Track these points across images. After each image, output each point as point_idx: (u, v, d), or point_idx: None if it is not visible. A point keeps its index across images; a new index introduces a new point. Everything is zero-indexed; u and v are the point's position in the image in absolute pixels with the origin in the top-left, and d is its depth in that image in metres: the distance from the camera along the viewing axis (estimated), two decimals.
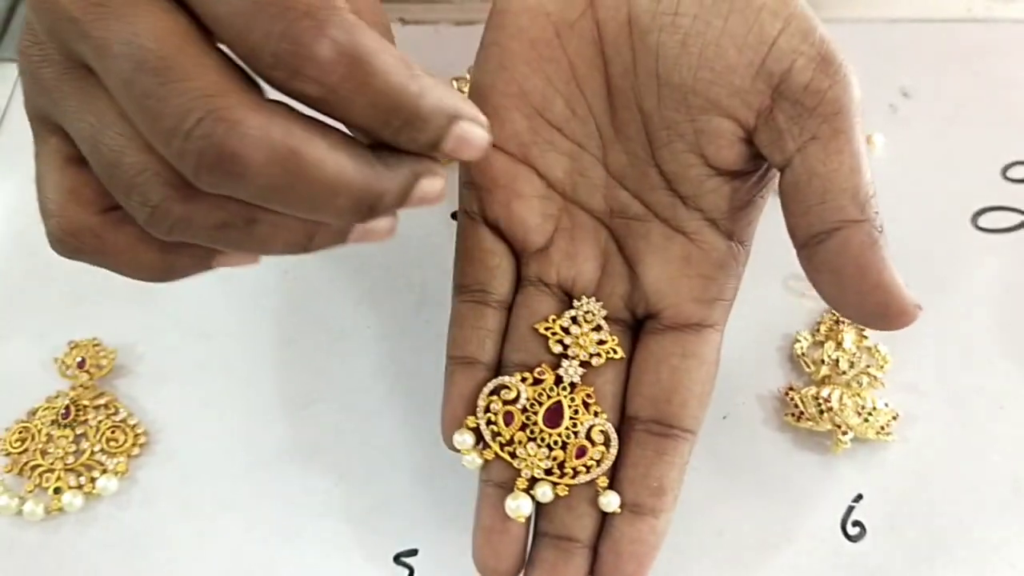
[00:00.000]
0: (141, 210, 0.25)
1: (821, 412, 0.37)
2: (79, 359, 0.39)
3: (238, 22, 0.23)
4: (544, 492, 0.32)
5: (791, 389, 0.38)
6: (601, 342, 0.33)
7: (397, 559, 0.36)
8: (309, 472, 0.38)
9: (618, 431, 0.32)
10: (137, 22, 0.23)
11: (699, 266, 0.33)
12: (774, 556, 0.36)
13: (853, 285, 0.29)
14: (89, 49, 0.24)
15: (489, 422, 0.32)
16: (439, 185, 0.26)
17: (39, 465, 0.37)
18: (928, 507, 0.36)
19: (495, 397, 0.32)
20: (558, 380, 0.32)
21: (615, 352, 0.33)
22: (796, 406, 0.38)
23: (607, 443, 0.32)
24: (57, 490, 0.37)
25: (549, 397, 0.32)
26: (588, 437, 0.32)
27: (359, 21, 0.23)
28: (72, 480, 0.37)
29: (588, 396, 0.32)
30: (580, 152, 0.33)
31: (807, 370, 0.39)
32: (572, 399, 0.32)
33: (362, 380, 0.40)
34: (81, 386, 0.39)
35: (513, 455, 0.32)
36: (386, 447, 0.39)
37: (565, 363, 0.32)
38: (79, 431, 0.38)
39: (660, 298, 0.33)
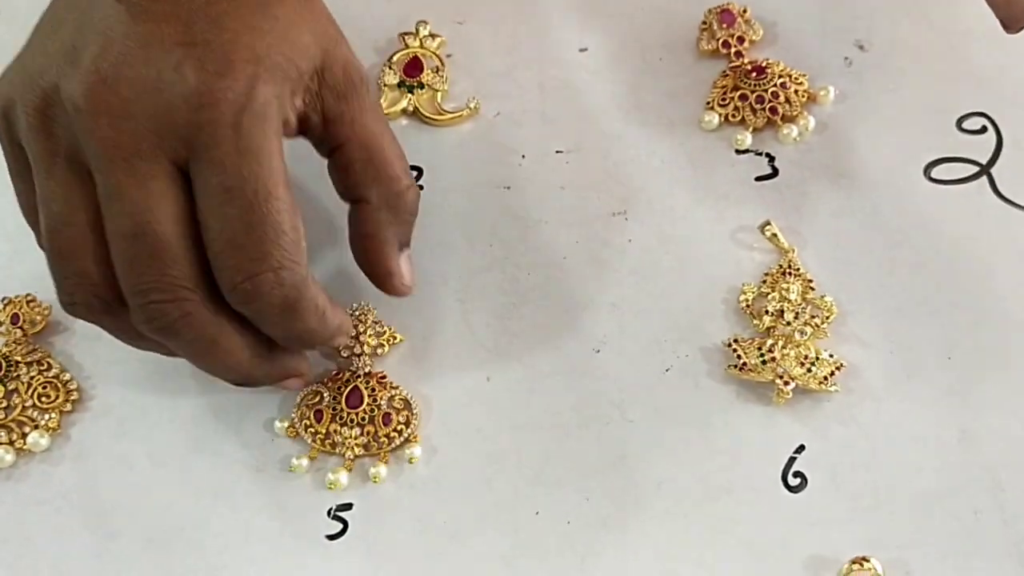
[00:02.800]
0: (62, 295, 0.32)
1: (763, 362, 0.37)
2: (12, 315, 0.39)
3: (221, 242, 0.30)
4: (378, 471, 0.36)
5: (734, 341, 0.38)
6: (380, 333, 0.38)
7: (331, 513, 0.36)
8: (245, 427, 0.38)
9: None
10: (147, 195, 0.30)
11: None
12: (713, 507, 0.35)
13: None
14: (102, 182, 0.30)
15: (307, 427, 0.37)
16: (297, 385, 0.37)
17: None
18: (871, 458, 0.36)
19: (305, 407, 0.37)
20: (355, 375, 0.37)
21: (395, 338, 0.38)
22: (739, 357, 0.37)
23: (408, 408, 0.37)
24: None
25: (347, 386, 0.37)
26: (391, 407, 0.37)
27: (308, 278, 0.32)
28: (2, 435, 0.37)
29: (382, 377, 0.37)
30: None
31: (752, 322, 0.38)
32: (367, 382, 0.37)
33: None
34: (14, 342, 0.38)
35: (333, 445, 0.36)
36: None
37: (354, 360, 0.38)
38: (11, 387, 0.37)
39: None
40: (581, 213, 0.41)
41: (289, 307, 0.31)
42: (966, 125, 0.44)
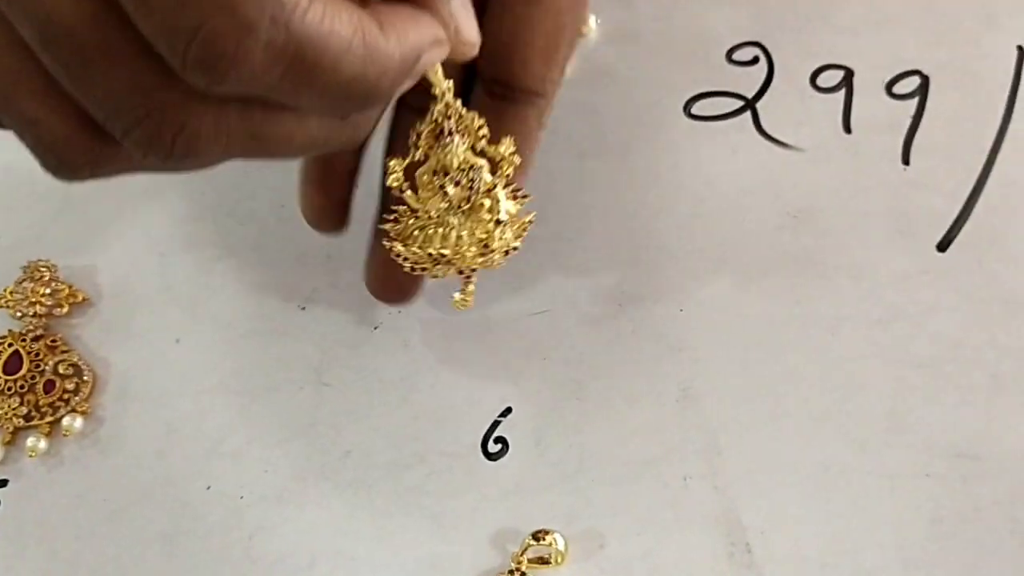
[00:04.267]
0: (41, 163, 0.22)
1: (435, 263, 0.28)
2: None
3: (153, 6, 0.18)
4: (36, 445, 0.32)
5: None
6: (58, 291, 0.34)
7: None
8: None
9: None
10: None
11: None
12: (401, 477, 0.32)
13: None
14: None
15: None
16: (442, 55, 0.24)
17: None
18: (581, 421, 0.32)
19: None
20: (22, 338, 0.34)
21: (76, 296, 0.34)
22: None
23: (79, 374, 0.33)
24: None
25: (9, 350, 0.33)
26: (57, 373, 0.33)
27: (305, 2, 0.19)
28: None
29: (52, 341, 0.34)
30: None
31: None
32: (32, 346, 0.33)
33: None
34: None
35: None
36: None
37: (26, 320, 0.34)
38: None
39: None
40: None
41: (288, 61, 0.19)
42: (737, 56, 0.40)
